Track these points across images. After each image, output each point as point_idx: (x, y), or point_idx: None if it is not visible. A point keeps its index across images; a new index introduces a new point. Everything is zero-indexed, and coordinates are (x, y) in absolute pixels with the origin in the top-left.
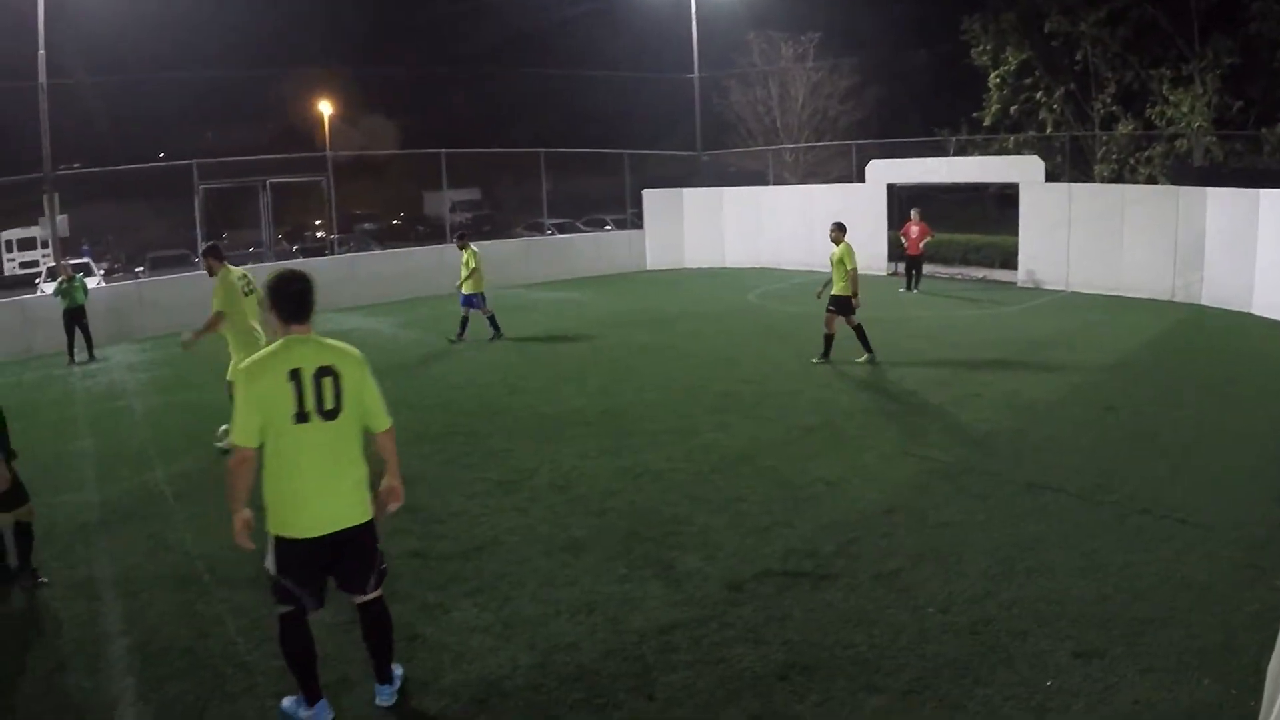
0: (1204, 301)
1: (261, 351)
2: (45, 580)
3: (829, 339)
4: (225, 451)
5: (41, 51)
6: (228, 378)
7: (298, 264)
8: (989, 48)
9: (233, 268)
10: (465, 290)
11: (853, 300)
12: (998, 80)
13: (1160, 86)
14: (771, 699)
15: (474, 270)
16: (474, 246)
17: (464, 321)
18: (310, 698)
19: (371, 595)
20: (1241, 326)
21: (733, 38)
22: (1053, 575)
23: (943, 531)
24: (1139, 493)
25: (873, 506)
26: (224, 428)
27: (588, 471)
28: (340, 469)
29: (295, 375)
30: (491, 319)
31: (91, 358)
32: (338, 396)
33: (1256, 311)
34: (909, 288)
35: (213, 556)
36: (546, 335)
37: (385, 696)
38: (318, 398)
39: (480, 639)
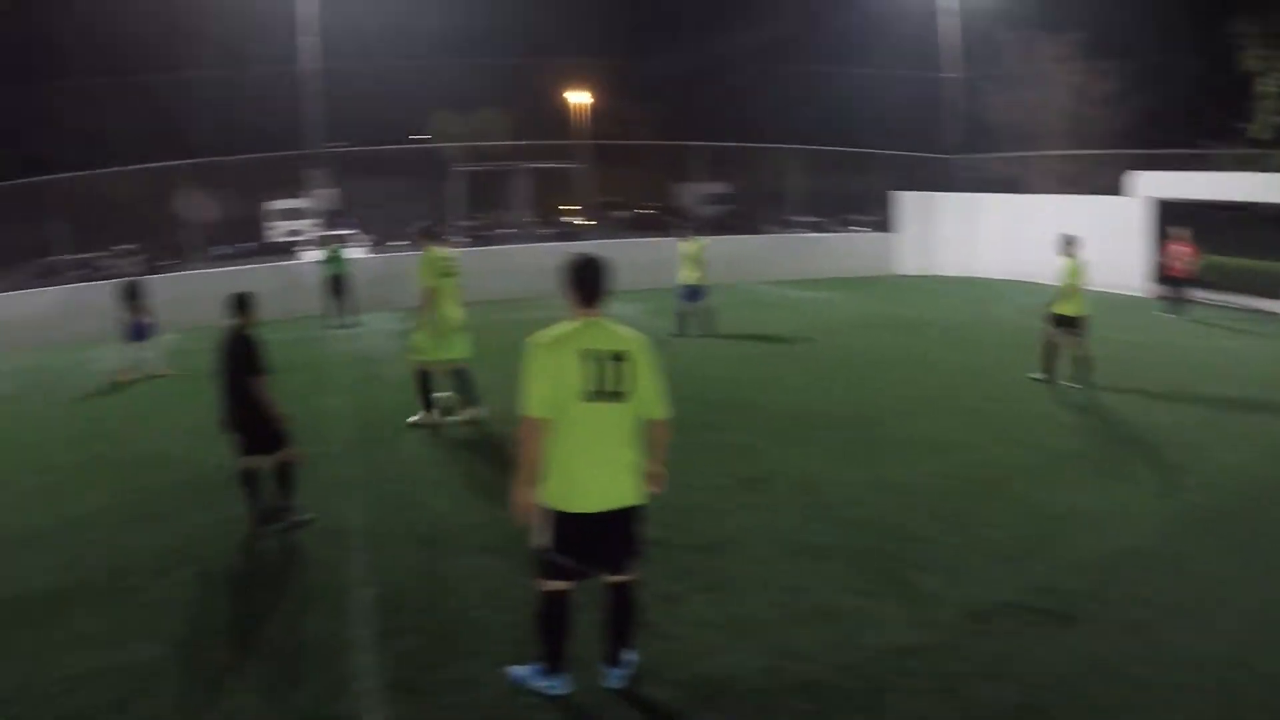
0: None
1: (557, 328)
2: (310, 517)
3: (1050, 355)
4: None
5: (307, 38)
6: (409, 357)
7: (549, 248)
8: (1262, 52)
9: (438, 249)
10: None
11: (1079, 319)
12: (1272, 89)
13: None
14: None
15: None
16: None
17: (684, 317)
18: (553, 670)
19: (626, 577)
20: None
21: (992, 37)
22: None
23: (1199, 583)
24: None
25: (1126, 547)
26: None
27: (833, 477)
28: (620, 450)
29: (589, 355)
30: (682, 317)
31: (350, 324)
32: (627, 380)
33: None
34: (1172, 313)
35: (456, 520)
36: (793, 335)
37: (615, 679)
38: (608, 379)
39: (712, 635)
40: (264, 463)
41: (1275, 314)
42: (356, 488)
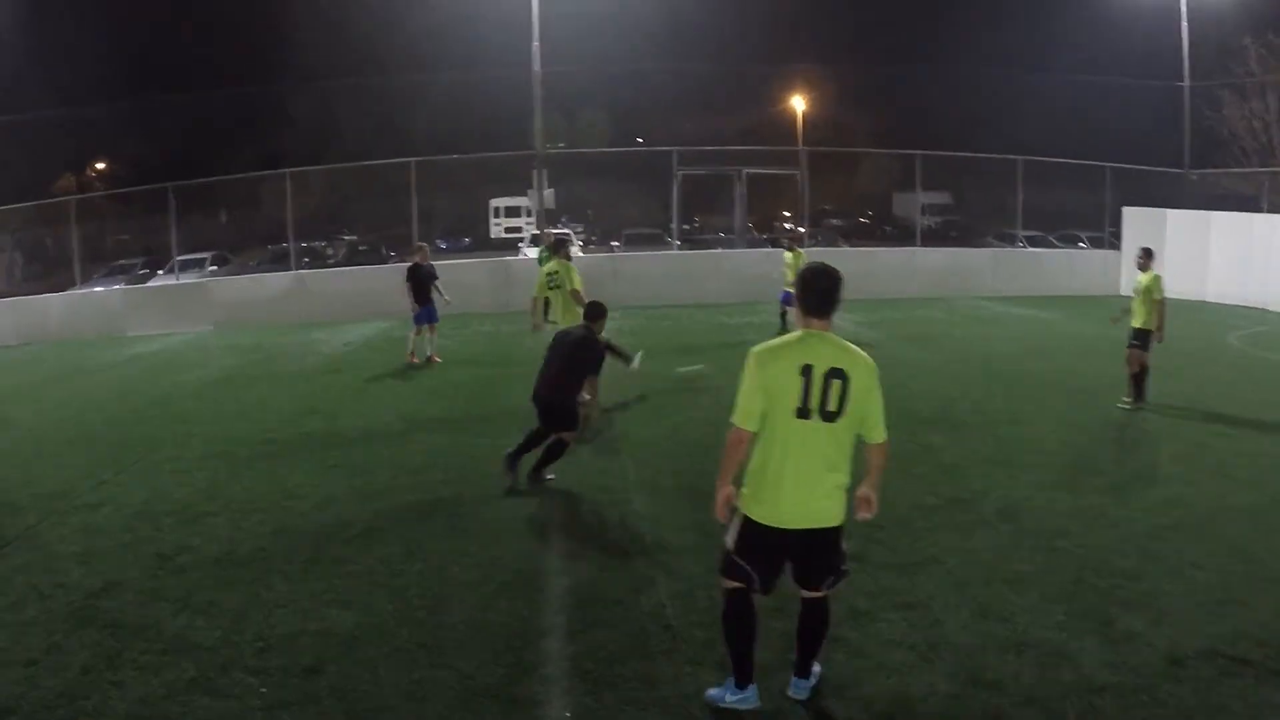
0: None
1: (777, 339)
2: (552, 477)
3: (1137, 378)
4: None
5: (536, 43)
6: None
7: (764, 254)
8: None
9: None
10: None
11: (1155, 334)
12: None
13: None
14: None
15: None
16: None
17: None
18: (741, 680)
19: (822, 594)
20: None
21: (1228, 43)
22: None
23: None
24: None
25: None
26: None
27: (1040, 503)
28: (825, 469)
29: (806, 370)
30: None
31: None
32: (842, 399)
33: None
34: None
35: (657, 519)
36: (1015, 354)
37: (800, 690)
38: (823, 397)
39: (902, 655)
40: (549, 433)
41: None
42: (561, 478)
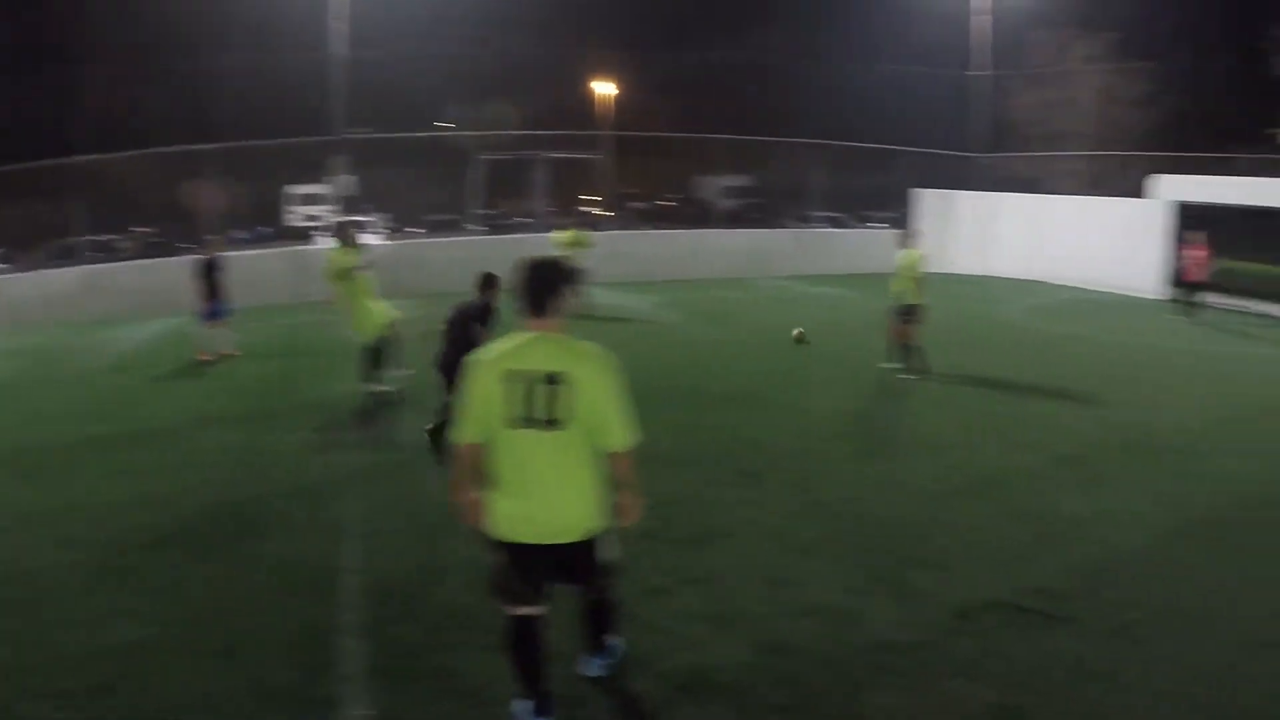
0: None
1: (500, 343)
2: None
3: (907, 348)
4: None
5: (337, 23)
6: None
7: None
8: None
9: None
10: None
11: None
12: None
13: None
14: None
15: None
16: None
17: None
18: (538, 708)
19: (591, 595)
20: None
21: (1020, 34)
22: None
23: (1193, 590)
24: None
25: (1120, 552)
26: None
27: (832, 474)
28: (559, 481)
29: (518, 377)
30: None
31: None
32: (563, 405)
33: None
34: (1184, 315)
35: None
36: (808, 330)
37: (596, 667)
38: (539, 404)
39: (698, 628)
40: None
41: None
42: (353, 475)
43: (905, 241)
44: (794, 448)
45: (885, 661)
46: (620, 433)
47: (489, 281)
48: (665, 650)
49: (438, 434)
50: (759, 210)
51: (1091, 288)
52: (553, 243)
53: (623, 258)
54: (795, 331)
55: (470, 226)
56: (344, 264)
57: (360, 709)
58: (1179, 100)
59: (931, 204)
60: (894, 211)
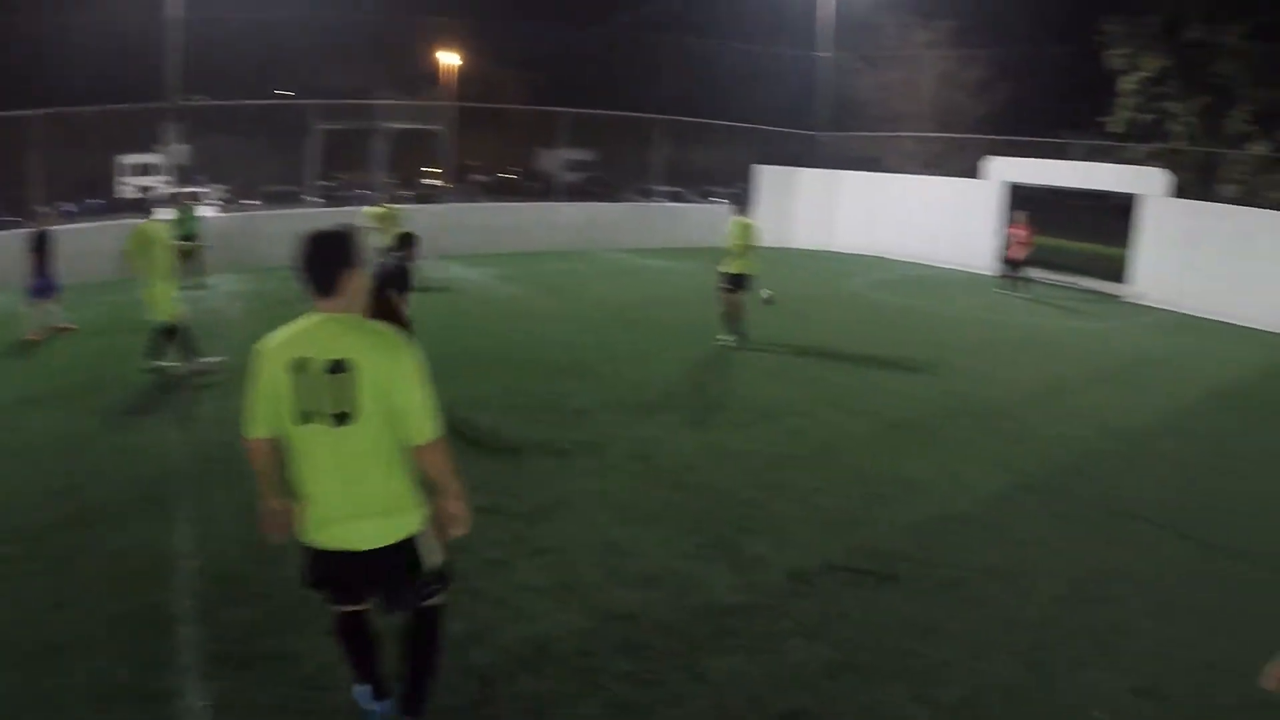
0: None
1: (283, 329)
2: None
3: (736, 319)
4: None
5: None
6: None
7: (409, 209)
8: (1126, 51)
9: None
10: None
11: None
12: (1132, 86)
13: None
14: (819, 696)
15: None
16: None
17: None
18: (377, 694)
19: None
20: None
21: (865, 18)
22: (1124, 607)
23: (1017, 547)
24: (1228, 533)
25: (950, 513)
26: None
27: (669, 444)
28: (358, 482)
29: (301, 366)
30: None
31: (198, 285)
32: (351, 396)
33: None
34: (1009, 291)
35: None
36: (648, 303)
37: (372, 704)
38: (325, 397)
39: (538, 600)
40: None
41: (1114, 296)
42: (182, 455)
43: (737, 212)
44: (632, 418)
45: (725, 625)
46: (421, 424)
47: (406, 240)
48: (505, 622)
49: None
50: (601, 184)
51: (929, 263)
52: (365, 218)
53: (464, 230)
54: (764, 294)
55: (308, 198)
56: (149, 237)
57: (198, 699)
58: (1016, 87)
59: (774, 180)
60: (736, 188)
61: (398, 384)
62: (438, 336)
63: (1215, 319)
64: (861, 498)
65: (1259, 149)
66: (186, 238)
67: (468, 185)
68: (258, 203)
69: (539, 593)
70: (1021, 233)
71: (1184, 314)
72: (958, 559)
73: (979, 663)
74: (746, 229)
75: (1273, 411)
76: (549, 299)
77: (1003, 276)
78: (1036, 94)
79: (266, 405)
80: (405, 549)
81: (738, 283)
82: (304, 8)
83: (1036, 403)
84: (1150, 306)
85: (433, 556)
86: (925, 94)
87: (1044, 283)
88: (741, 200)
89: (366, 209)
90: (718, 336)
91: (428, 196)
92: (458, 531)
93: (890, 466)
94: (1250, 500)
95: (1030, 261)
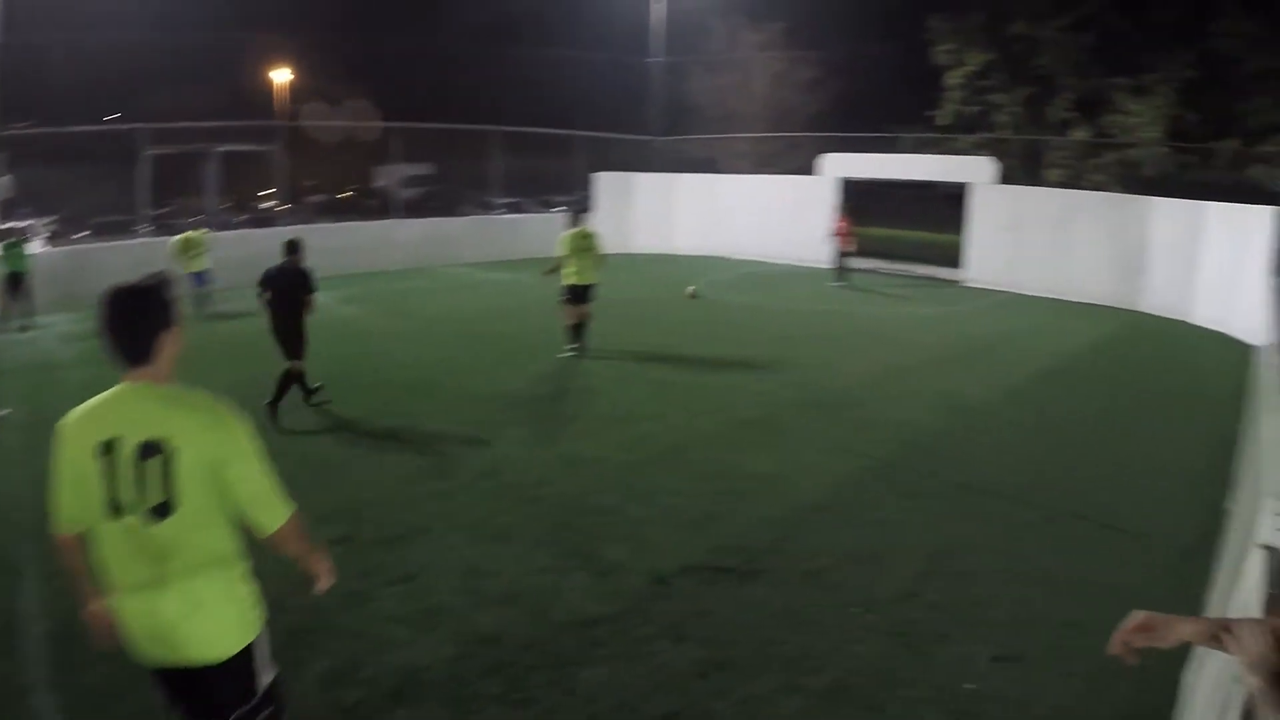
0: (1145, 309)
1: (90, 401)
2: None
3: (579, 328)
4: None
5: None
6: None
7: (243, 235)
8: (952, 47)
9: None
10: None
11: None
12: (958, 80)
13: (1118, 96)
14: (691, 697)
15: None
16: None
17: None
18: None
19: None
20: (1180, 335)
21: (697, 23)
22: (978, 577)
23: (873, 530)
24: (1070, 497)
25: (805, 503)
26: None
27: (520, 458)
28: (177, 584)
29: (109, 448)
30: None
31: (28, 325)
32: (169, 484)
33: (1196, 321)
34: (837, 282)
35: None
36: (491, 317)
37: None
38: (137, 485)
39: (400, 629)
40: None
41: (948, 281)
42: (21, 512)
43: (573, 222)
44: (480, 435)
45: (591, 636)
46: (268, 509)
47: (294, 247)
48: (370, 656)
49: (274, 406)
50: (440, 199)
51: (768, 260)
52: (168, 251)
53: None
54: (689, 290)
55: (140, 227)
56: None
57: None
58: (846, 85)
59: (612, 186)
60: (576, 195)
61: (232, 465)
62: (276, 364)
63: (1046, 296)
64: (716, 496)
65: (1080, 134)
66: (14, 275)
67: (305, 206)
68: (87, 234)
69: (402, 622)
70: (842, 225)
71: (1016, 294)
72: (815, 547)
73: (847, 646)
74: (585, 238)
75: (1100, 381)
76: (391, 318)
77: (836, 268)
78: (866, 91)
79: (71, 495)
80: (233, 667)
81: (578, 294)
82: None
83: (880, 389)
84: (985, 289)
85: (264, 672)
86: (758, 95)
87: (883, 273)
88: (582, 208)
89: (171, 239)
90: (563, 348)
91: (264, 220)
92: (325, 586)
93: (742, 463)
94: (1082, 466)
95: (851, 253)
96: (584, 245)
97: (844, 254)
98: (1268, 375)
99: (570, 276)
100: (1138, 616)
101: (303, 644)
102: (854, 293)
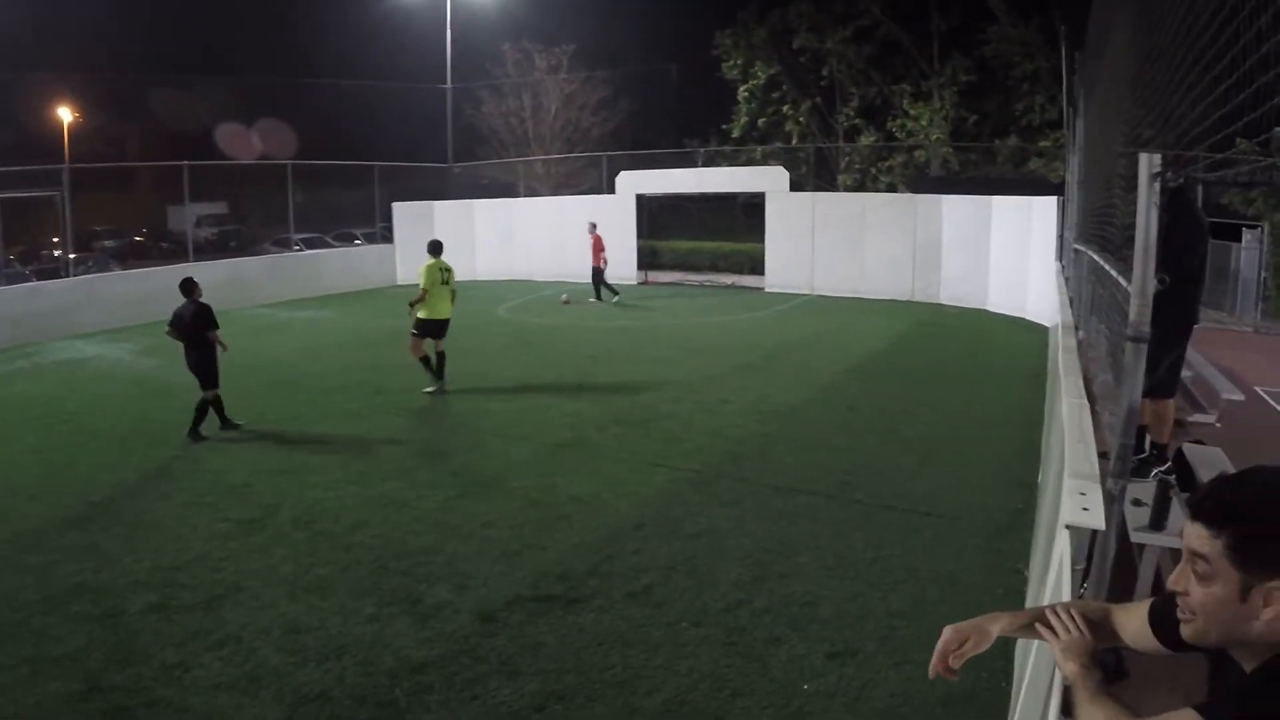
0: (942, 301)
1: None
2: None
3: (426, 361)
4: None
5: None
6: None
7: (29, 288)
8: (739, 62)
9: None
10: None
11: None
12: (746, 94)
13: (901, 101)
14: None
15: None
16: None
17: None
18: None
19: None
20: (978, 323)
21: (488, 48)
22: (805, 577)
23: (695, 542)
24: (885, 489)
25: (624, 522)
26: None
27: (332, 504)
28: None
29: None
30: None
31: None
32: None
33: (991, 309)
34: (598, 298)
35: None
36: (293, 357)
37: None
38: None
39: (225, 697)
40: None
41: (750, 288)
42: None
43: (435, 252)
44: (288, 483)
45: (421, 682)
46: None
47: (190, 285)
48: None
49: (196, 433)
50: (238, 237)
51: (569, 281)
52: None
53: (95, 303)
54: (563, 297)
55: None
56: None
57: None
58: (639, 103)
59: (411, 215)
60: (373, 227)
61: None
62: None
63: (847, 296)
64: (535, 524)
65: (866, 139)
66: None
67: (98, 254)
68: None
69: (225, 690)
70: (595, 241)
71: (818, 296)
72: (638, 565)
73: (681, 661)
74: (447, 270)
75: (905, 373)
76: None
77: (647, 283)
78: (660, 108)
79: None
80: None
81: (438, 328)
82: None
83: (688, 400)
84: (787, 293)
85: None
86: (552, 117)
87: (687, 284)
88: (385, 239)
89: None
90: (425, 386)
91: (52, 271)
92: None
93: (558, 486)
94: (895, 457)
95: (600, 268)
96: (446, 278)
97: (595, 270)
98: (1062, 356)
99: (434, 310)
100: (947, 634)
101: None
102: (620, 308)
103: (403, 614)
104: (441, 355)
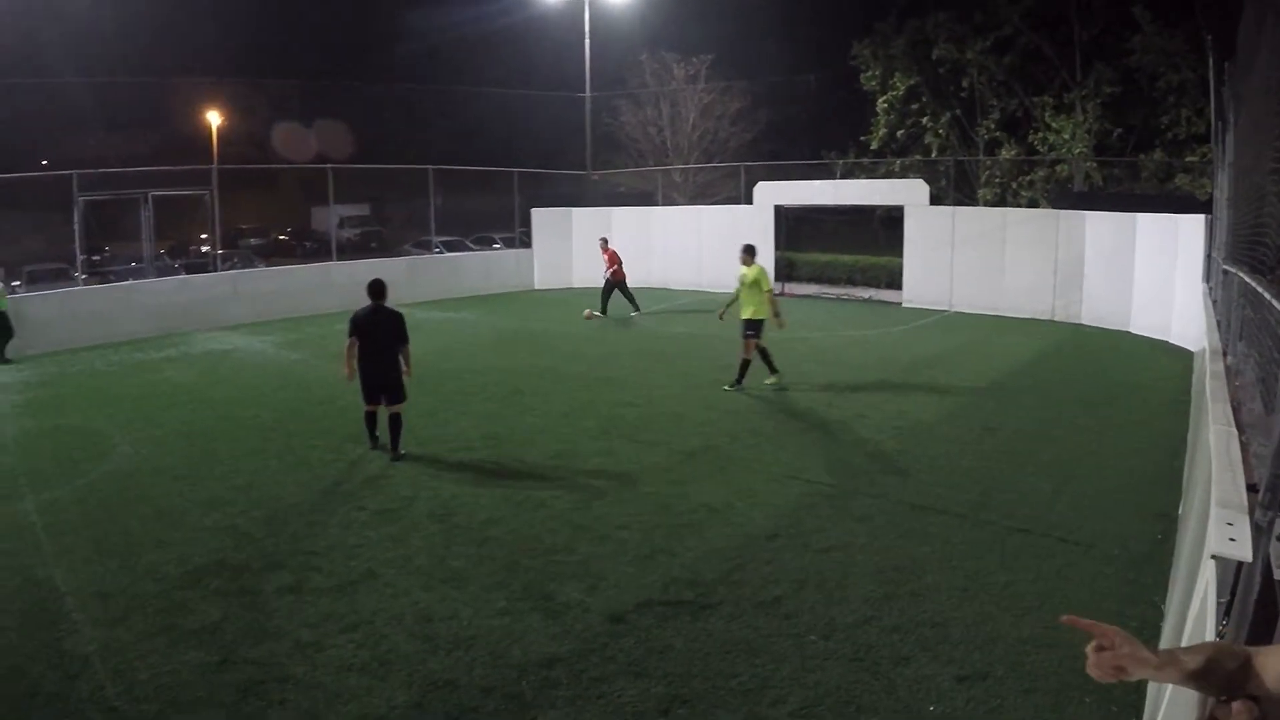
0: (1083, 321)
1: None
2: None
3: (745, 365)
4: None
5: None
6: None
7: (179, 281)
8: (878, 73)
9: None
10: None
11: (776, 320)
12: (885, 105)
13: (1043, 113)
14: None
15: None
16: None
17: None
18: None
19: None
20: (1119, 345)
21: (626, 58)
22: (935, 597)
23: (826, 556)
24: (1020, 512)
25: (756, 532)
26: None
27: (469, 499)
28: None
29: None
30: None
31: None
32: None
33: (1134, 330)
34: (633, 305)
35: (83, 592)
36: (432, 357)
37: None
38: None
39: (356, 678)
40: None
41: (887, 303)
42: None
43: (746, 259)
44: (424, 477)
45: (549, 677)
46: None
47: (381, 288)
48: (326, 707)
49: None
50: (378, 239)
51: (708, 290)
52: None
53: (240, 298)
54: (586, 312)
55: (77, 275)
56: None
57: None
58: (778, 113)
59: (549, 221)
60: (512, 232)
61: None
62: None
63: (985, 313)
64: (667, 529)
65: (1007, 152)
66: None
67: (242, 250)
68: (18, 284)
69: (356, 671)
70: (609, 256)
71: (956, 312)
72: (768, 575)
73: (809, 674)
74: (761, 274)
75: (1042, 394)
76: (333, 362)
77: (785, 294)
78: (798, 119)
79: None
80: None
81: (756, 328)
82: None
83: (816, 413)
84: (924, 309)
85: None
86: (689, 127)
87: (824, 297)
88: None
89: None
90: (764, 380)
91: (200, 265)
92: None
93: (690, 494)
94: (1030, 480)
95: (614, 283)
96: (753, 281)
97: (612, 284)
98: (1210, 381)
99: (758, 310)
100: (1119, 638)
101: (257, 697)
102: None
103: (534, 610)
104: (760, 353)
